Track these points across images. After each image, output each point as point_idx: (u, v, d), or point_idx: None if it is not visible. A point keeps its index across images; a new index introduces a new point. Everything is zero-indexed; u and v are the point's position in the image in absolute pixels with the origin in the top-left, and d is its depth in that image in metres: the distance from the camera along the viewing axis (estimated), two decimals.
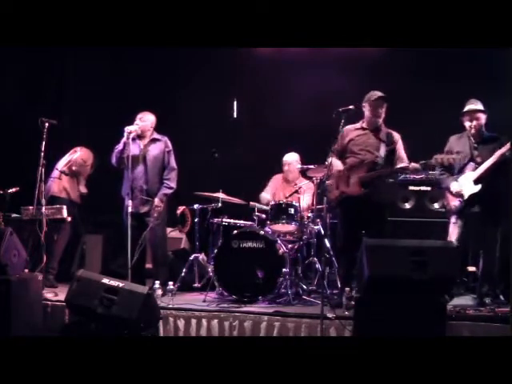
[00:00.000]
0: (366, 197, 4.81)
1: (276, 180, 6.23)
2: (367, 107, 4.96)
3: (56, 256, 5.79)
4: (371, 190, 4.81)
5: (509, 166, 4.58)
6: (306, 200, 5.74)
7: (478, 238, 4.84)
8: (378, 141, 4.94)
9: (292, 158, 6.05)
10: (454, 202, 4.83)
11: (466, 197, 4.75)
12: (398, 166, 4.86)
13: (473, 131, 4.86)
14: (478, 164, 4.74)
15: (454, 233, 4.85)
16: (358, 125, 5.04)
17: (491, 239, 4.78)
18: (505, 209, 4.67)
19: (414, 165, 4.72)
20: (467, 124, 4.88)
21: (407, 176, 5.47)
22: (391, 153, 4.94)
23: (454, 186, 4.82)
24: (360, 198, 4.82)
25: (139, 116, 5.52)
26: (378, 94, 4.92)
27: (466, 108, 4.89)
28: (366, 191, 4.81)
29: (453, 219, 4.89)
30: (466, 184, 4.77)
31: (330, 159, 4.53)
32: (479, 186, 4.69)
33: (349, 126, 4.97)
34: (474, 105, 4.87)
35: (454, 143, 4.94)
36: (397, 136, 5.01)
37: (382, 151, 4.89)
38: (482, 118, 4.86)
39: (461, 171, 4.84)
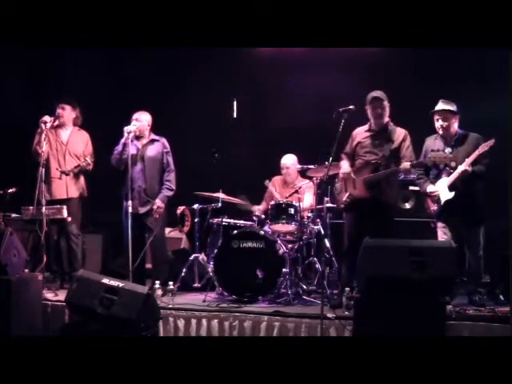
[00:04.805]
0: (372, 198, 4.78)
1: (274, 182, 6.17)
2: (368, 109, 4.93)
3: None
4: (377, 191, 4.79)
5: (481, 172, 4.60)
6: (308, 199, 5.74)
7: (461, 240, 4.79)
8: (383, 141, 4.88)
9: (290, 161, 5.97)
10: (434, 207, 4.83)
11: (442, 202, 4.71)
12: (392, 167, 4.81)
13: (441, 132, 4.83)
14: (453, 169, 4.65)
15: (441, 238, 4.81)
16: (366, 126, 5.00)
17: (472, 240, 4.76)
18: (483, 208, 4.74)
19: (404, 164, 4.70)
20: (436, 124, 4.83)
21: (407, 176, 5.47)
22: (396, 151, 4.86)
23: (430, 188, 4.80)
24: (367, 199, 4.80)
25: (135, 116, 5.51)
26: (373, 94, 4.87)
27: (435, 108, 4.83)
28: (373, 193, 4.79)
29: (439, 224, 4.87)
30: (441, 189, 4.73)
31: (337, 161, 4.48)
32: (453, 193, 4.64)
33: (358, 129, 4.99)
34: (443, 105, 4.80)
35: (431, 144, 4.88)
36: (402, 133, 4.91)
37: (386, 151, 4.84)
38: (451, 118, 4.77)
39: (437, 176, 4.81)
